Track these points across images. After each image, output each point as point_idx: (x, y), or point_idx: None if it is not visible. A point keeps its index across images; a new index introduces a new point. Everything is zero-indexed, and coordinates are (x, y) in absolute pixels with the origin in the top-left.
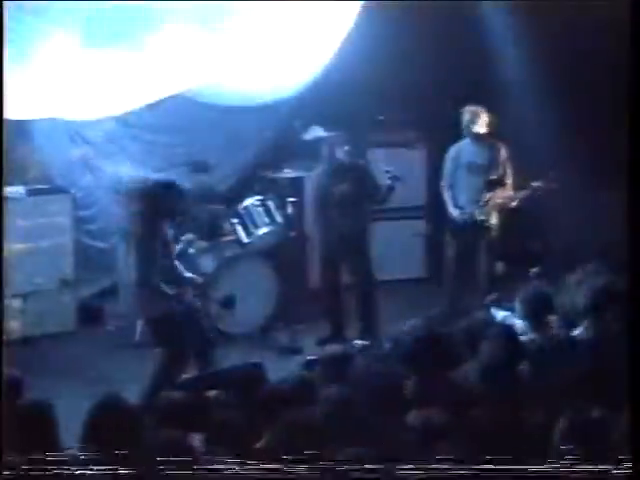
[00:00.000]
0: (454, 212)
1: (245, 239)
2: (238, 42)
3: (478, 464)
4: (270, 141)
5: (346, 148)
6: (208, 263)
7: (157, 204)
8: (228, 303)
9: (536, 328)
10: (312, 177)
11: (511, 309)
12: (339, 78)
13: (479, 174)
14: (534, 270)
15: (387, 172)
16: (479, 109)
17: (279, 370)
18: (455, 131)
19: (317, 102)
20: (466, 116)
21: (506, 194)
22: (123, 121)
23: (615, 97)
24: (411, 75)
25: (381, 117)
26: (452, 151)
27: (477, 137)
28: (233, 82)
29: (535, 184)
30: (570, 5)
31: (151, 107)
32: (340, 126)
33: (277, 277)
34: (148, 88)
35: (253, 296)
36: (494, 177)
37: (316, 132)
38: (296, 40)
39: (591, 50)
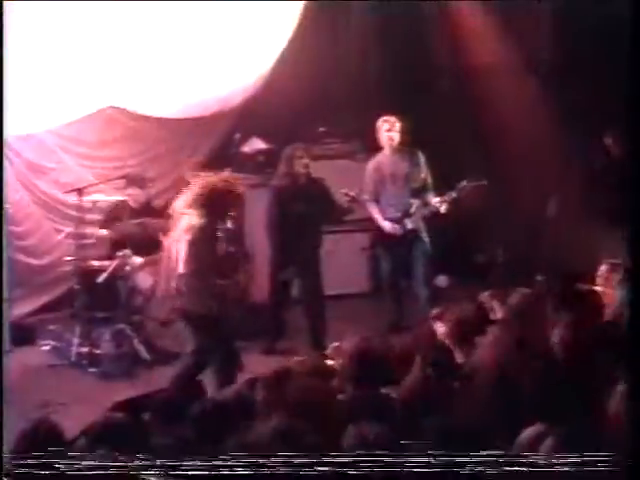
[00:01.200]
0: (385, 225)
1: None
2: (175, 52)
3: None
4: (209, 153)
5: (305, 161)
6: (145, 280)
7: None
8: (166, 320)
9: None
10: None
11: None
12: (279, 90)
13: (403, 184)
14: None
15: (345, 195)
16: (393, 119)
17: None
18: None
19: (257, 114)
20: (382, 127)
21: (432, 199)
22: (56, 134)
23: (551, 94)
24: (351, 85)
25: (322, 129)
26: (372, 164)
27: (395, 147)
28: (170, 93)
29: (460, 185)
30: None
31: (85, 119)
32: (281, 138)
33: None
34: (82, 99)
35: None
36: (417, 185)
37: (256, 144)
38: (234, 52)
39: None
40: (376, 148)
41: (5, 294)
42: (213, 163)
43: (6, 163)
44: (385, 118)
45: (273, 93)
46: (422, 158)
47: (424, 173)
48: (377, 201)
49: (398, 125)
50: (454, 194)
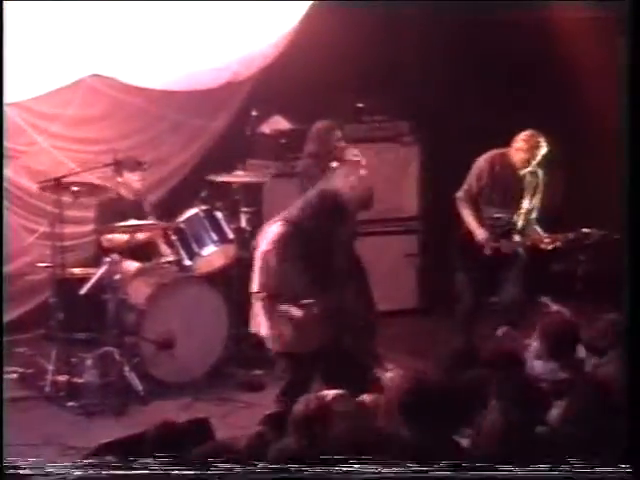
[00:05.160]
0: (479, 234)
1: (187, 261)
2: (176, 8)
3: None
4: (219, 135)
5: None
6: (139, 292)
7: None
8: (165, 343)
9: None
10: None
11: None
12: (304, 57)
13: (513, 200)
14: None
15: None
16: (537, 138)
17: (230, 427)
18: (456, 122)
19: (277, 87)
20: (517, 143)
21: (541, 233)
22: (26, 109)
23: None
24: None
25: (360, 105)
26: (486, 160)
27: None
28: (169, 59)
29: (586, 231)
30: None
31: (62, 90)
32: (308, 117)
33: (228, 309)
34: (58, 66)
35: (197, 334)
36: (526, 208)
37: (277, 124)
38: (249, 9)
39: None
40: (429, 130)
41: None
42: (224, 146)
43: None
44: (528, 134)
45: (297, 60)
46: (542, 178)
47: (538, 197)
48: (477, 203)
49: (542, 146)
50: (572, 236)
